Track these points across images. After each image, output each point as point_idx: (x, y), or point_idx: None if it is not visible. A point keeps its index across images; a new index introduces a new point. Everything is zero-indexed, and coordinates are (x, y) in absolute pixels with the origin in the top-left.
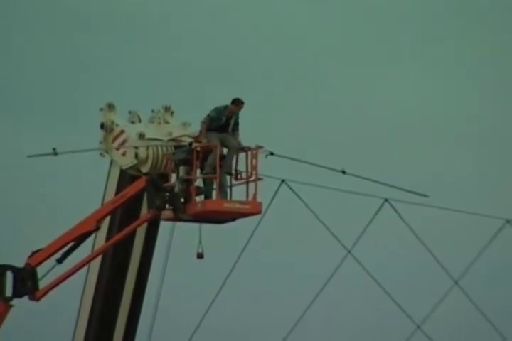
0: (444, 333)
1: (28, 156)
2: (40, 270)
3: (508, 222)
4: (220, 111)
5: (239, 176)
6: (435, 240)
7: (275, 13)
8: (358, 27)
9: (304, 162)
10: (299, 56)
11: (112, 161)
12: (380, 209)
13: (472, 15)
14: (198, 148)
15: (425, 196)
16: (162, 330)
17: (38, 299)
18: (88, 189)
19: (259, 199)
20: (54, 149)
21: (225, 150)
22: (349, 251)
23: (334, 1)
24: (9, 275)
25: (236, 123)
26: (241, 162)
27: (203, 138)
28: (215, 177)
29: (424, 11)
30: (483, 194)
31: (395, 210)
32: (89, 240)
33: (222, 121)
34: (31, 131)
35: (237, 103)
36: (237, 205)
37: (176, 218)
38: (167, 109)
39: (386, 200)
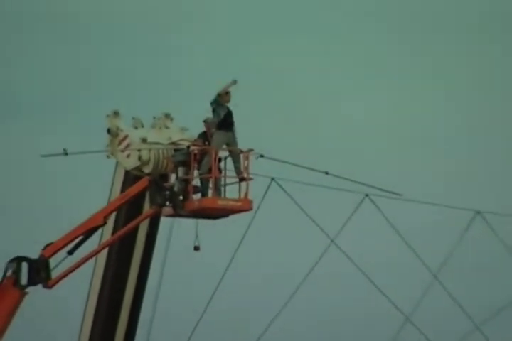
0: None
1: (42, 156)
2: (53, 261)
3: (478, 213)
4: (221, 105)
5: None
6: (413, 232)
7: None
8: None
9: (291, 163)
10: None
11: (117, 163)
12: (360, 203)
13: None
14: (196, 151)
15: (399, 195)
16: (162, 314)
17: (50, 287)
18: (95, 188)
19: (250, 197)
20: (65, 150)
21: (221, 153)
22: (332, 240)
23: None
24: (25, 266)
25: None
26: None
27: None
28: (211, 177)
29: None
30: (455, 189)
31: (375, 204)
32: (97, 234)
33: (224, 113)
34: (45, 135)
35: (224, 94)
36: (231, 202)
37: (175, 214)
38: (167, 115)
39: (366, 195)
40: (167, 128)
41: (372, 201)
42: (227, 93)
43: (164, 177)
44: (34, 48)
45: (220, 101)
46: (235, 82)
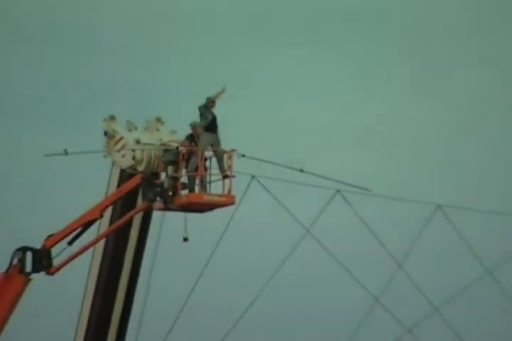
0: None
1: (45, 155)
2: (54, 250)
3: (439, 206)
4: (209, 110)
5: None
6: (381, 224)
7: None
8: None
9: (270, 162)
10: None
11: (113, 162)
12: (332, 198)
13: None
14: (184, 151)
15: (367, 190)
16: (154, 299)
17: (52, 274)
18: (93, 184)
19: (233, 192)
20: (65, 150)
21: (207, 153)
22: (308, 230)
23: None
24: (29, 255)
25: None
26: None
27: (197, 140)
28: (197, 175)
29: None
30: (420, 184)
31: (345, 199)
32: (95, 226)
33: (211, 118)
34: (46, 137)
35: (211, 100)
36: (215, 198)
37: (165, 208)
38: (158, 119)
39: (338, 191)
40: (158, 130)
41: (342, 196)
42: (214, 100)
43: (155, 174)
44: (35, 56)
45: (209, 106)
46: (223, 89)
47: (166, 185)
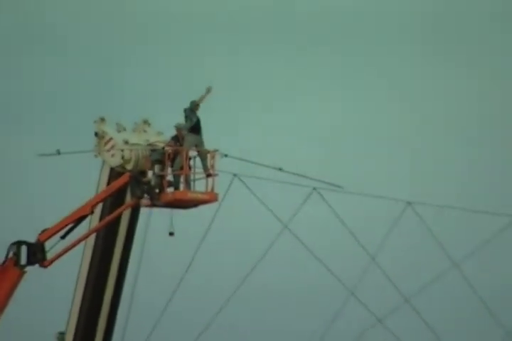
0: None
1: (39, 155)
2: (48, 244)
3: (409, 203)
4: (193, 112)
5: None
6: (355, 220)
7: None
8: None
9: (251, 162)
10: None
11: (103, 161)
12: (309, 195)
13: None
14: (169, 151)
15: (340, 187)
16: (143, 287)
17: (45, 266)
18: (85, 182)
19: (216, 190)
20: (58, 150)
21: (191, 153)
22: (286, 226)
23: None
24: (24, 249)
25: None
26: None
27: (183, 141)
28: (182, 173)
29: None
30: (392, 182)
31: (322, 196)
32: (86, 221)
33: (194, 120)
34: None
35: (196, 104)
36: (199, 195)
37: (152, 205)
38: (145, 121)
39: (314, 189)
40: (145, 132)
41: (319, 193)
42: (198, 103)
43: (143, 173)
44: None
45: (193, 109)
46: (209, 89)
47: (152, 183)
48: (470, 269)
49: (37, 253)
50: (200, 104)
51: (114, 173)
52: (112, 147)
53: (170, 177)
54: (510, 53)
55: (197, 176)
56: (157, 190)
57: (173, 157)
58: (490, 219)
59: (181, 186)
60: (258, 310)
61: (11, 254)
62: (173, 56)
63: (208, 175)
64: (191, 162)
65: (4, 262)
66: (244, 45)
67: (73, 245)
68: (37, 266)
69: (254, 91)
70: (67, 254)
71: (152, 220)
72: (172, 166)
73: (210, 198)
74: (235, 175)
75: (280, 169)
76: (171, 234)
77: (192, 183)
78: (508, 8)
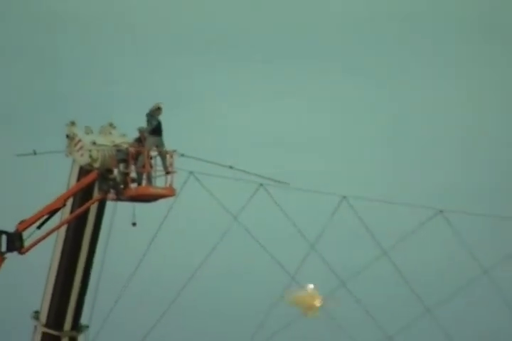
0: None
1: (17, 155)
2: (25, 234)
3: (344, 197)
4: (154, 117)
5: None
6: (297, 213)
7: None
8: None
9: (204, 160)
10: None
11: (73, 160)
12: (256, 191)
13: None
14: (133, 151)
15: (287, 184)
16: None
17: (23, 253)
18: (57, 179)
19: (173, 186)
20: (34, 150)
21: (152, 153)
22: (235, 218)
23: None
24: (4, 238)
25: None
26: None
27: (145, 142)
28: (144, 171)
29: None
30: (328, 177)
31: (267, 191)
32: (58, 213)
33: (155, 123)
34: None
35: (158, 108)
36: (159, 190)
37: (117, 199)
38: (111, 124)
39: (261, 185)
40: (111, 134)
41: (265, 189)
42: (159, 109)
43: (109, 171)
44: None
45: (153, 114)
46: (158, 104)
47: (118, 180)
48: (398, 256)
49: (15, 242)
50: (162, 109)
51: (84, 171)
52: (81, 147)
53: (133, 175)
54: None
55: (157, 173)
56: (122, 186)
57: (136, 156)
58: (412, 210)
59: (143, 182)
60: (213, 290)
61: None
62: (138, 64)
63: (167, 173)
64: (152, 161)
65: None
66: (206, 49)
67: (48, 234)
68: (15, 253)
69: (208, 99)
70: (42, 242)
71: (117, 212)
72: (135, 164)
73: (169, 193)
74: (190, 172)
75: (231, 167)
76: (134, 224)
77: (153, 180)
78: None
